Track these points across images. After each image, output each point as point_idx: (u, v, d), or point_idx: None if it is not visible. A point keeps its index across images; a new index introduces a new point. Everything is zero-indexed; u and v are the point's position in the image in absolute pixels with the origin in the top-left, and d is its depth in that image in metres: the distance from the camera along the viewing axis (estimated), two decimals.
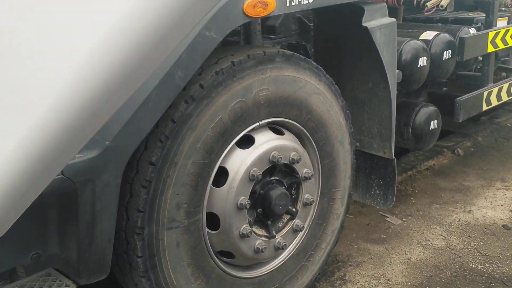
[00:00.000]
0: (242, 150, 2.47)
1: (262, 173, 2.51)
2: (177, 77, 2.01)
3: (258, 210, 2.59)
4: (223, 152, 2.36)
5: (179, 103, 2.18)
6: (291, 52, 2.58)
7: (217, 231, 2.46)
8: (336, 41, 3.15)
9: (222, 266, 2.54)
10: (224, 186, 2.41)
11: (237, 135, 2.40)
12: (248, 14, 2.15)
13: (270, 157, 2.51)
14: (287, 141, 2.63)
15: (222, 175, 2.42)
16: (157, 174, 2.13)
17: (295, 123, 2.67)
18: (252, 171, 2.44)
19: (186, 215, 2.26)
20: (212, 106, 2.24)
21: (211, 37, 2.07)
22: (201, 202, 2.33)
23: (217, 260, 2.51)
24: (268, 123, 2.58)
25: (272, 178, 2.62)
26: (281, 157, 2.52)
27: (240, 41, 3.01)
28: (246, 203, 2.43)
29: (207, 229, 2.44)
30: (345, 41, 3.12)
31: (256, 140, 2.51)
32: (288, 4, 2.34)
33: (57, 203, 1.96)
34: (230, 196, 2.40)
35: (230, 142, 2.38)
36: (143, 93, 1.94)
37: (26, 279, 2.01)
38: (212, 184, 2.39)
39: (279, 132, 2.65)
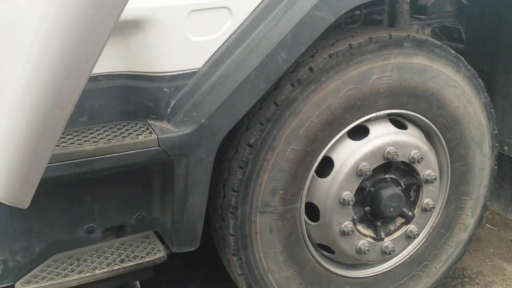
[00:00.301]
0: (353, 141, 2.28)
1: (375, 169, 2.29)
2: (280, 58, 1.91)
3: (366, 209, 2.39)
4: (329, 141, 2.21)
5: (285, 86, 2.08)
6: (424, 37, 2.27)
7: (316, 223, 2.34)
8: (492, 23, 2.68)
9: (320, 260, 2.42)
10: (328, 177, 2.26)
11: (348, 124, 2.22)
12: None
13: (385, 153, 2.27)
14: (409, 136, 2.35)
15: (328, 166, 2.27)
16: (254, 156, 2.09)
17: (422, 117, 2.37)
18: (361, 165, 2.24)
19: (281, 202, 2.18)
20: (320, 92, 2.10)
21: (321, 18, 1.91)
22: (300, 191, 2.22)
23: (314, 252, 2.39)
24: (389, 114, 2.33)
25: (387, 176, 2.38)
26: (397, 154, 2.27)
27: (384, 21, 2.75)
28: (350, 199, 2.25)
29: (306, 219, 2.33)
30: (505, 23, 2.64)
31: (370, 132, 2.29)
32: None
33: (161, 172, 2.05)
34: (333, 189, 2.25)
35: (339, 132, 2.21)
36: (242, 73, 1.89)
37: (128, 237, 2.16)
38: (316, 174, 2.26)
39: (401, 126, 2.38)
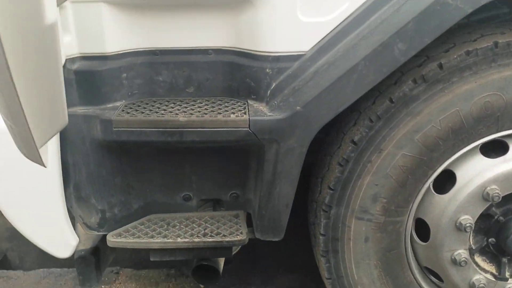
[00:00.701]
0: (485, 158, 1.90)
1: (509, 196, 1.89)
2: (397, 49, 1.65)
3: (490, 240, 1.99)
4: (454, 153, 1.87)
5: (405, 81, 1.81)
6: None
7: (425, 244, 2.04)
8: None
9: (424, 285, 2.12)
10: (446, 194, 1.93)
11: (482, 137, 1.85)
12: None
13: None
14: None
15: (449, 181, 1.94)
16: (357, 155, 1.88)
17: None
18: (489, 188, 1.86)
19: (383, 211, 1.94)
20: (448, 93, 1.78)
21: (454, 7, 1.58)
22: (409, 203, 1.94)
23: (418, 275, 2.10)
24: None
25: None
26: None
27: None
28: (468, 224, 1.90)
29: (414, 237, 2.04)
30: None
31: (510, 151, 1.88)
32: None
33: (257, 154, 1.98)
34: (450, 209, 1.91)
35: (468, 144, 1.86)
36: (349, 61, 1.69)
37: (220, 213, 2.16)
38: (433, 188, 1.95)
39: None
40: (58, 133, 1.84)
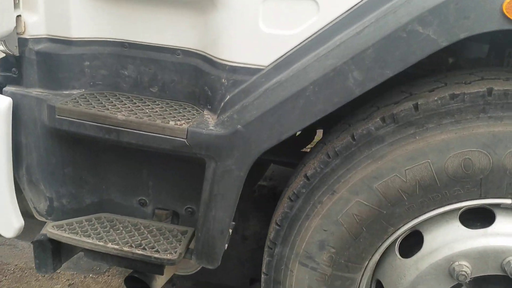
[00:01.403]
0: (462, 226, 1.57)
1: (482, 279, 1.55)
2: (351, 78, 1.39)
3: None
4: (422, 213, 1.57)
5: (371, 118, 1.54)
6: None
7: None
8: None
9: None
10: (409, 259, 1.63)
11: (459, 201, 1.53)
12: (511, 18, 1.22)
13: (503, 262, 1.50)
14: None
15: (418, 243, 1.64)
16: (308, 193, 1.64)
17: None
18: (456, 264, 1.53)
19: (330, 263, 1.68)
20: (419, 141, 1.49)
21: (426, 37, 1.30)
22: (363, 260, 1.66)
23: None
24: None
25: None
26: None
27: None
28: None
29: None
30: None
31: (495, 223, 1.54)
32: None
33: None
34: (409, 277, 1.61)
35: (441, 206, 1.55)
36: (297, 84, 1.47)
37: (169, 226, 2.00)
38: (398, 247, 1.66)
39: None
40: (10, 112, 1.81)
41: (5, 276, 3.05)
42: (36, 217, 2.05)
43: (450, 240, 1.56)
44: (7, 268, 3.11)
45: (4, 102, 1.80)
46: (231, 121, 1.57)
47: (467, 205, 1.54)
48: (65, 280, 3.04)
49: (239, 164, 1.58)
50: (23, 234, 3.18)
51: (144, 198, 2.02)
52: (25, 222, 2.01)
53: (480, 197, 1.50)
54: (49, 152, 1.88)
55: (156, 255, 1.80)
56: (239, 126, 1.55)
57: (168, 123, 1.63)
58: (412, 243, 1.66)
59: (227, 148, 1.58)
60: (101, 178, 2.00)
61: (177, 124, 1.62)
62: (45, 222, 2.03)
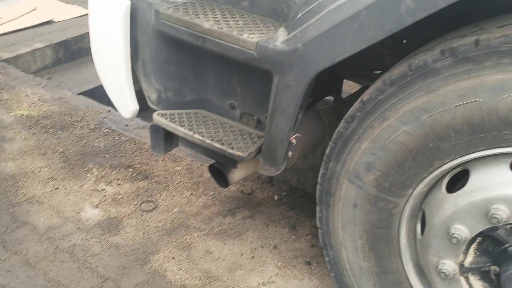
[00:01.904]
0: (509, 172, 1.54)
1: None
2: (404, 6, 1.39)
3: (493, 268, 1.67)
4: (469, 152, 1.56)
5: (432, 49, 1.53)
6: None
7: (420, 238, 1.82)
8: None
9: (413, 279, 1.92)
10: (451, 194, 1.66)
11: (510, 146, 1.49)
12: None
13: None
14: None
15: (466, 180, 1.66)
16: (362, 116, 1.72)
17: None
18: (493, 207, 1.53)
19: (375, 184, 1.78)
20: (473, 78, 1.45)
21: None
22: (407, 188, 1.73)
23: (410, 267, 1.90)
24: None
25: None
26: None
27: None
28: (461, 237, 1.62)
29: (417, 228, 1.84)
30: None
31: None
32: None
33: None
34: (446, 213, 1.65)
35: (489, 148, 1.53)
36: (353, 8, 1.50)
37: (251, 129, 2.24)
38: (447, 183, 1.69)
39: None
40: (129, 12, 2.15)
41: (140, 153, 3.67)
42: (149, 105, 2.45)
43: (493, 183, 1.54)
44: (143, 147, 3.72)
45: (124, 4, 2.14)
46: (294, 39, 1.68)
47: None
48: (185, 164, 3.55)
49: (297, 80, 1.71)
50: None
51: (233, 102, 2.27)
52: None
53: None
54: (158, 50, 2.20)
55: (230, 150, 2.07)
56: (299, 45, 1.66)
57: (242, 35, 1.80)
58: (464, 182, 1.67)
59: (287, 64, 1.71)
60: (200, 79, 2.28)
61: (249, 37, 1.78)
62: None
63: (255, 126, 2.29)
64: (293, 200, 3.23)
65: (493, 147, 1.50)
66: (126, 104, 2.40)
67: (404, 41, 2.21)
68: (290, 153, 2.02)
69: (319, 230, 2.09)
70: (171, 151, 3.50)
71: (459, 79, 1.46)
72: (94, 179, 3.33)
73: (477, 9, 1.74)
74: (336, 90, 2.61)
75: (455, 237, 1.61)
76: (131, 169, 3.45)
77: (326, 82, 2.45)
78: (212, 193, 3.24)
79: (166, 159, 3.61)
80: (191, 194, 3.21)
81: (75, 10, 5.77)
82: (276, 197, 3.26)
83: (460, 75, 1.46)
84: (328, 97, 2.71)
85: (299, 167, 3.26)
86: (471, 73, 1.44)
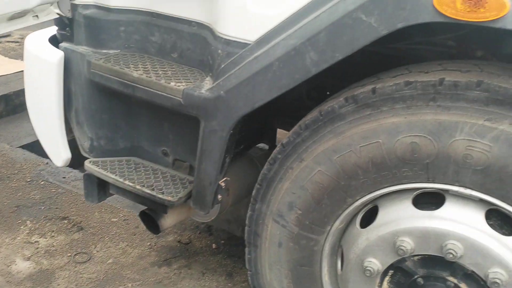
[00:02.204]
0: (412, 206, 1.68)
1: (429, 259, 1.66)
2: (308, 58, 1.56)
3: None
4: (377, 189, 1.70)
5: (337, 97, 1.70)
6: None
7: (340, 274, 1.91)
8: None
9: None
10: (364, 229, 1.78)
11: (410, 182, 1.64)
12: (441, 11, 1.29)
13: (444, 247, 1.60)
14: (508, 247, 1.55)
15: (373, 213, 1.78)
16: (283, 158, 1.84)
17: None
18: (399, 239, 1.66)
19: (297, 223, 1.88)
20: (373, 122, 1.62)
21: (368, 25, 1.42)
22: (325, 225, 1.84)
23: None
24: (487, 202, 1.57)
25: (451, 278, 1.68)
26: (454, 252, 1.56)
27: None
28: (373, 270, 1.73)
29: (338, 263, 1.93)
30: None
31: (443, 208, 1.63)
32: None
33: None
34: (360, 247, 1.76)
35: (392, 185, 1.67)
36: (267, 59, 1.66)
37: (184, 176, 2.31)
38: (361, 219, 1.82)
39: (507, 229, 1.58)
40: (62, 63, 2.23)
41: (76, 204, 3.63)
42: (82, 153, 2.49)
43: (398, 217, 1.67)
44: (79, 198, 3.69)
45: (58, 55, 2.22)
46: (218, 87, 1.81)
47: (418, 187, 1.63)
48: (122, 215, 3.54)
49: (221, 125, 1.83)
50: None
51: (166, 148, 2.35)
52: None
53: (428, 181, 1.59)
54: (90, 99, 2.27)
55: (160, 196, 2.12)
56: (222, 92, 1.79)
57: (169, 83, 1.92)
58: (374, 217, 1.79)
59: (212, 110, 1.83)
60: (132, 126, 2.36)
61: (176, 85, 1.90)
62: None
63: (188, 172, 2.37)
64: (231, 248, 3.26)
65: (395, 184, 1.65)
66: (58, 152, 2.43)
67: (328, 92, 2.39)
68: (219, 196, 2.10)
69: (248, 272, 2.15)
70: (108, 202, 3.50)
71: (361, 122, 1.62)
72: (27, 231, 3.25)
73: (376, 62, 1.94)
74: (269, 138, 2.75)
75: (368, 270, 1.71)
76: (66, 221, 3.40)
77: (258, 130, 2.59)
78: (148, 243, 3.23)
79: (103, 210, 3.58)
80: (127, 245, 3.18)
81: (18, 65, 5.78)
82: (214, 245, 3.29)
83: (362, 119, 1.62)
84: (262, 145, 2.84)
85: (238, 214, 3.33)
86: (371, 117, 1.60)
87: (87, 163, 2.34)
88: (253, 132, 2.51)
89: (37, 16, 2.05)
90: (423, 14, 1.33)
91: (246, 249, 2.10)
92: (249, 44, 1.79)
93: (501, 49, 2.00)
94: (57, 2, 2.12)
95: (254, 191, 1.97)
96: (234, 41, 1.81)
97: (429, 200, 1.68)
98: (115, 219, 3.49)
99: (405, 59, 1.79)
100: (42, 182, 3.85)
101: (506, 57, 2.00)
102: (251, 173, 2.56)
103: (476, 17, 1.26)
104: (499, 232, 1.56)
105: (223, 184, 2.08)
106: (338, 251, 1.93)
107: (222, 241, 3.34)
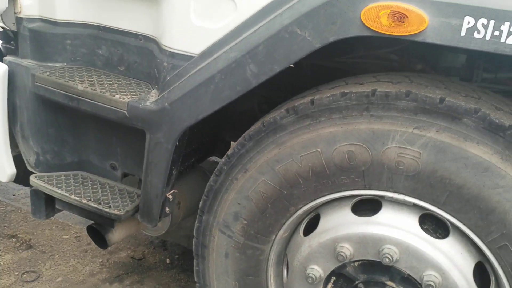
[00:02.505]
0: (351, 213, 1.74)
1: (367, 265, 1.71)
2: (249, 70, 1.60)
3: None
4: (317, 197, 1.75)
5: (279, 108, 1.75)
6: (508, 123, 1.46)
7: (285, 282, 1.94)
8: None
9: None
10: (306, 237, 1.82)
11: (348, 190, 1.69)
12: (368, 26, 1.36)
13: (381, 251, 1.65)
14: (441, 250, 1.61)
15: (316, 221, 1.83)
16: (228, 169, 1.87)
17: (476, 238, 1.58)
18: (339, 245, 1.71)
19: (243, 233, 1.90)
20: (312, 131, 1.67)
21: (303, 38, 1.48)
22: (270, 234, 1.87)
23: None
24: (421, 207, 1.64)
25: (389, 282, 1.73)
26: (390, 257, 1.62)
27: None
28: (315, 276, 1.76)
29: (284, 272, 1.96)
30: None
31: (379, 213, 1.69)
32: (464, 33, 1.28)
33: None
34: (302, 255, 1.80)
35: (332, 193, 1.72)
36: (209, 72, 1.70)
37: (131, 189, 2.31)
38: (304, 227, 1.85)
39: (441, 232, 1.66)
40: (6, 77, 2.20)
41: (26, 222, 3.54)
42: (28, 168, 2.44)
43: (338, 224, 1.72)
44: (30, 216, 3.59)
45: (1, 69, 2.19)
46: (162, 99, 1.83)
47: (356, 194, 1.69)
48: (73, 232, 3.47)
49: (166, 137, 1.84)
50: None
51: (114, 162, 2.33)
52: None
53: (365, 188, 1.65)
54: (35, 113, 2.24)
55: (107, 210, 2.11)
56: (166, 104, 1.81)
57: (114, 96, 1.92)
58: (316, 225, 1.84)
59: (157, 122, 1.84)
60: (79, 140, 2.34)
61: (121, 98, 1.91)
62: None
63: (137, 185, 2.36)
64: (185, 263, 3.25)
65: (335, 191, 1.70)
66: (3, 168, 2.38)
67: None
68: (167, 209, 2.10)
69: (197, 285, 2.15)
70: (60, 219, 3.43)
71: (301, 132, 1.67)
72: None
73: (325, 75, 2.02)
74: (221, 150, 2.77)
75: (310, 277, 1.75)
76: (14, 239, 3.30)
77: (210, 142, 2.62)
78: (100, 260, 3.18)
79: (54, 227, 3.50)
80: (78, 262, 3.12)
81: None
82: (168, 260, 3.27)
83: (302, 129, 1.67)
84: (215, 158, 2.86)
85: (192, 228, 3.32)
86: (310, 127, 1.66)
87: (32, 178, 2.30)
88: (204, 145, 2.53)
89: None
90: (352, 28, 1.40)
91: (194, 261, 2.10)
92: (194, 56, 1.82)
93: (439, 63, 2.12)
94: (1, 15, 2.09)
95: (201, 203, 1.99)
96: (179, 53, 1.84)
97: (368, 207, 1.74)
98: (66, 236, 3.42)
99: (352, 73, 1.86)
100: None
101: (444, 70, 2.12)
102: (203, 186, 2.58)
103: (399, 31, 1.34)
104: (432, 236, 1.63)
105: (170, 196, 2.08)
106: (284, 260, 1.96)
107: (177, 256, 3.33)
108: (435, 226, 1.67)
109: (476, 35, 1.28)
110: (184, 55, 1.84)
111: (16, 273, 2.96)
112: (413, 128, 1.52)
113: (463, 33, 1.29)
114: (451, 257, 1.59)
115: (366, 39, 1.51)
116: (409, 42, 1.55)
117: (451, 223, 1.59)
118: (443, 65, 2.13)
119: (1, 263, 3.05)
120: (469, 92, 1.54)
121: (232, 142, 2.87)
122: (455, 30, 1.30)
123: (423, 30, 1.32)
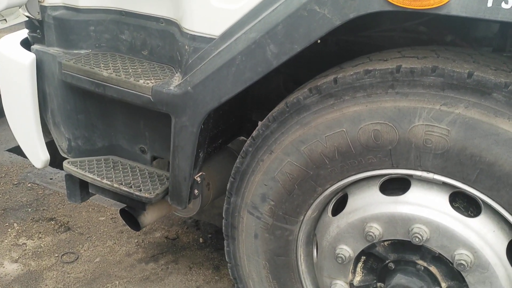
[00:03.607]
0: (378, 192, 1.71)
1: (399, 245, 1.69)
2: (269, 51, 1.57)
3: (379, 285, 1.80)
4: (345, 177, 1.73)
5: (302, 88, 1.72)
6: None
7: (315, 262, 1.94)
8: None
9: None
10: (335, 217, 1.81)
11: (375, 169, 1.66)
12: (388, 0, 1.30)
13: (410, 231, 1.62)
14: (473, 228, 1.58)
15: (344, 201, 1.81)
16: (254, 151, 1.86)
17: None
18: (367, 225, 1.69)
19: (271, 214, 1.90)
20: (336, 111, 1.64)
21: (322, 16, 1.43)
22: (298, 215, 1.86)
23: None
24: (451, 186, 1.60)
25: (420, 261, 1.71)
26: (420, 236, 1.59)
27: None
28: (345, 256, 1.76)
29: (314, 252, 1.96)
30: None
31: (408, 193, 1.66)
32: (490, 4, 1.21)
33: None
34: (332, 234, 1.79)
35: (360, 172, 1.69)
36: (230, 54, 1.67)
37: (160, 171, 2.34)
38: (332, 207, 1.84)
39: (473, 211, 1.61)
40: (34, 65, 2.24)
41: (63, 205, 3.65)
42: (61, 153, 2.51)
43: (366, 204, 1.70)
44: (66, 199, 3.70)
45: (29, 57, 2.23)
46: (185, 83, 1.83)
47: (384, 173, 1.66)
48: (109, 214, 3.56)
49: (191, 120, 1.85)
50: None
51: (143, 146, 2.36)
52: None
53: (392, 167, 1.62)
54: (65, 100, 2.28)
55: (137, 193, 2.15)
56: (189, 88, 1.80)
57: (139, 81, 1.93)
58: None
59: (181, 107, 1.85)
60: (109, 125, 2.37)
61: (145, 83, 1.92)
62: None
63: (166, 168, 2.39)
64: (218, 242, 3.29)
65: (362, 171, 1.67)
66: (37, 154, 2.45)
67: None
68: (196, 191, 2.12)
69: (228, 265, 2.18)
70: (96, 201, 3.52)
71: (325, 112, 1.64)
72: (14, 234, 3.27)
73: (351, 51, 1.96)
74: (247, 131, 2.76)
75: (340, 257, 1.74)
76: (53, 222, 3.42)
77: (237, 123, 2.61)
78: (136, 240, 3.25)
79: (90, 209, 3.60)
80: (114, 243, 3.21)
81: None
82: (201, 239, 3.32)
83: (326, 109, 1.64)
84: (243, 138, 2.86)
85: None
86: (334, 106, 1.62)
87: (65, 164, 2.36)
88: (231, 126, 2.53)
89: (5, 19, 2.05)
90: (372, 4, 1.35)
91: (225, 242, 2.13)
92: (214, 38, 1.80)
93: (470, 33, 2.03)
94: (26, 5, 2.12)
95: (228, 185, 1.99)
96: (200, 36, 1.83)
97: (397, 186, 1.70)
98: (102, 218, 3.52)
99: (380, 47, 1.81)
100: (29, 184, 3.87)
101: (475, 40, 2.03)
102: (232, 166, 2.59)
103: (421, 4, 1.28)
104: (464, 215, 1.58)
105: (198, 179, 2.10)
106: (313, 240, 1.96)
107: (210, 235, 3.37)
108: (466, 204, 1.62)
109: (504, 5, 1.21)
110: (204, 37, 1.82)
111: (56, 255, 3.07)
112: (441, 105, 1.46)
113: (489, 4, 1.23)
114: (483, 236, 1.54)
115: (391, 12, 1.45)
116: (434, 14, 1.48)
117: (483, 201, 1.54)
118: (474, 35, 2.04)
119: (42, 245, 3.16)
120: (500, 65, 1.47)
121: (259, 122, 2.86)
122: (481, 1, 1.23)
123: (446, 3, 1.26)
